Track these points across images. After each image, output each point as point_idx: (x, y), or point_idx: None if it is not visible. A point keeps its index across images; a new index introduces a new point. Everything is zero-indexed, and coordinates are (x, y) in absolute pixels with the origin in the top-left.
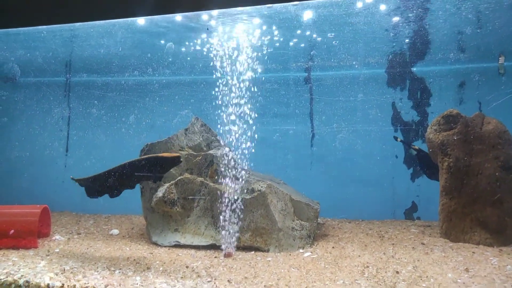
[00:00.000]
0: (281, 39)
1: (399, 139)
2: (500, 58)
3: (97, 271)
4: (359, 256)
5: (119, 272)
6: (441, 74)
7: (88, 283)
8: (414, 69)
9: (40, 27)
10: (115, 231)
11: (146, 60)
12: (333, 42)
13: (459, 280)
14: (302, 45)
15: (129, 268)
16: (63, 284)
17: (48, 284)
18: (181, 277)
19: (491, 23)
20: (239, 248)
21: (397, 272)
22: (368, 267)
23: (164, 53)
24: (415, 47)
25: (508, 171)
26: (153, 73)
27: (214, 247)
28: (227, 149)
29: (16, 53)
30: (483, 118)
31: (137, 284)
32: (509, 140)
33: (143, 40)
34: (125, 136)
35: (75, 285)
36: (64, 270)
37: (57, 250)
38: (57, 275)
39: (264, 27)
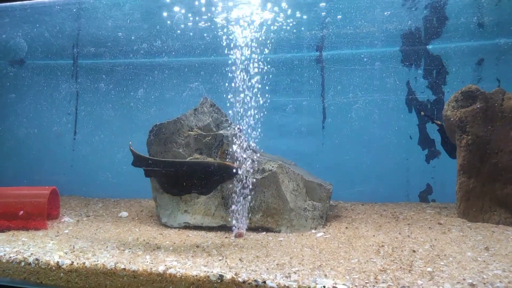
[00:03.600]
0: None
1: (422, 113)
2: None
3: (107, 250)
4: (374, 236)
5: (129, 251)
6: (458, 51)
7: (97, 261)
8: (429, 46)
9: (46, 0)
10: (124, 214)
11: (154, 33)
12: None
13: (479, 259)
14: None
15: (139, 248)
16: (73, 262)
17: (58, 262)
18: (192, 256)
19: None
20: (250, 228)
21: (414, 251)
22: (383, 246)
23: (173, 24)
24: (431, 23)
25: None
26: (162, 45)
27: (225, 228)
28: (237, 129)
29: (23, 28)
30: (503, 94)
31: (147, 262)
32: None
33: (151, 12)
34: (133, 111)
35: (84, 262)
36: (74, 249)
37: (67, 231)
38: (66, 253)
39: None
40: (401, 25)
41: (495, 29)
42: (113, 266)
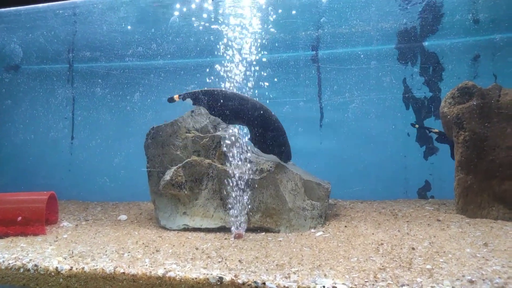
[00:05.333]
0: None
1: (417, 126)
2: None
3: (106, 255)
4: (373, 234)
5: (128, 255)
6: (454, 48)
7: (96, 265)
8: (425, 43)
9: (40, 5)
10: (123, 217)
11: (150, 36)
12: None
13: (478, 255)
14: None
15: (138, 251)
16: (72, 267)
17: (57, 268)
18: (191, 258)
19: None
20: (249, 229)
21: (413, 249)
22: (382, 244)
23: (169, 27)
24: (427, 20)
25: None
26: (158, 48)
27: (224, 229)
28: (234, 130)
29: (18, 34)
30: (500, 89)
31: (146, 265)
32: None
33: (146, 15)
34: (130, 115)
35: (83, 267)
36: (73, 254)
37: (65, 236)
38: (65, 259)
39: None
40: (396, 23)
41: (491, 25)
42: (112, 270)
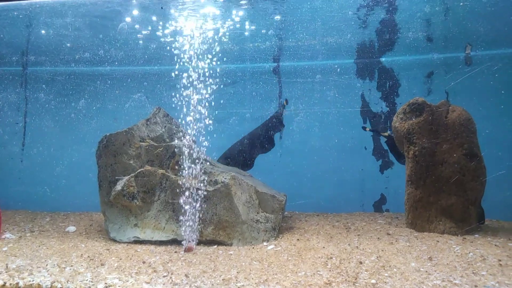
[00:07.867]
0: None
1: (368, 129)
2: (467, 47)
3: (46, 269)
4: (324, 247)
5: (70, 269)
6: (410, 64)
7: (33, 280)
8: (383, 59)
9: None
10: (72, 228)
11: (97, 42)
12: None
13: (421, 269)
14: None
15: (82, 265)
16: (5, 283)
17: None
18: (136, 273)
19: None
20: (202, 242)
21: (361, 263)
22: (331, 258)
23: (117, 34)
24: (383, 36)
25: (472, 159)
26: (105, 55)
27: (176, 242)
28: (189, 139)
29: None
30: (448, 106)
31: (87, 280)
32: (473, 128)
33: (94, 20)
34: (74, 122)
35: (18, 283)
36: (8, 268)
37: (5, 249)
38: (0, 273)
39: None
40: (355, 39)
41: (443, 44)
42: (49, 285)
